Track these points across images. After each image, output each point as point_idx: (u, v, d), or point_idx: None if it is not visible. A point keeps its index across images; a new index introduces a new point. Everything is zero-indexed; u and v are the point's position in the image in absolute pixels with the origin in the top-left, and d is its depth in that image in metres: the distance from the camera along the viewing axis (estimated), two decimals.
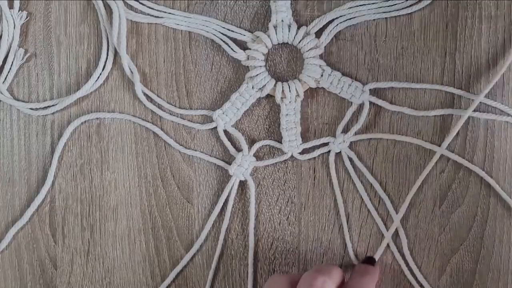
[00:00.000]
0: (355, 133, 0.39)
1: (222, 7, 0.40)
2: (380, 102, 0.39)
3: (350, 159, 0.39)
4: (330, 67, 0.39)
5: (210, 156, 0.40)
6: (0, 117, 0.41)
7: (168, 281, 0.41)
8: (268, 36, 0.39)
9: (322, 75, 0.39)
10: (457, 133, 0.39)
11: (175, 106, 0.40)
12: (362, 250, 0.40)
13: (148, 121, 0.41)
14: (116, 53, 0.40)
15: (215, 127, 0.40)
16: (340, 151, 0.39)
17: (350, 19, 0.39)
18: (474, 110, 0.38)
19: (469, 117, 0.39)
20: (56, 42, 0.41)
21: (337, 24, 0.39)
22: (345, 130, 0.39)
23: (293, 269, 0.40)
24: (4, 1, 0.40)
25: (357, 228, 0.40)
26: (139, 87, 0.40)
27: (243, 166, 0.40)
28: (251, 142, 0.40)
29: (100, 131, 0.41)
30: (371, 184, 0.39)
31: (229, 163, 0.40)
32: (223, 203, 0.40)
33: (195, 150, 0.40)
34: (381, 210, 0.40)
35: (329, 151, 0.39)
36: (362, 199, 0.39)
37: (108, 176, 0.41)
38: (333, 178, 0.39)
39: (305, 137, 0.40)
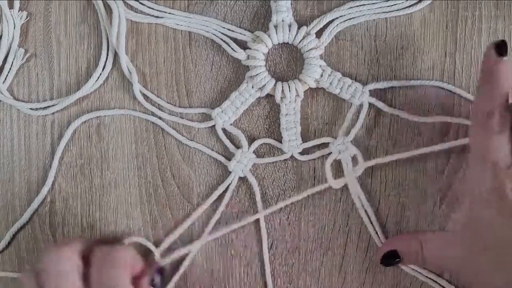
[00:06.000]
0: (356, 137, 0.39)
1: (222, 7, 0.40)
2: (379, 104, 0.39)
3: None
4: (330, 67, 0.39)
5: (212, 150, 0.40)
6: (0, 117, 0.41)
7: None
8: (269, 36, 0.39)
9: (322, 75, 0.39)
10: (457, 134, 0.39)
11: (175, 106, 0.40)
12: (362, 248, 0.40)
13: (148, 114, 0.40)
14: (116, 53, 0.40)
15: (214, 126, 0.40)
16: (339, 154, 0.39)
17: (350, 19, 0.39)
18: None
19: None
20: (56, 42, 0.41)
21: (337, 24, 0.39)
22: (347, 132, 0.39)
23: (293, 269, 0.40)
24: (4, 1, 0.40)
25: (357, 228, 0.40)
26: (137, 87, 0.40)
27: (242, 163, 0.40)
28: (251, 141, 0.40)
29: (100, 131, 0.41)
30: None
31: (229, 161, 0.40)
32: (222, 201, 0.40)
33: (195, 148, 0.40)
34: (380, 209, 0.40)
35: (330, 153, 0.39)
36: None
37: (108, 176, 0.41)
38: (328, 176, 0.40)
39: (304, 137, 0.40)
